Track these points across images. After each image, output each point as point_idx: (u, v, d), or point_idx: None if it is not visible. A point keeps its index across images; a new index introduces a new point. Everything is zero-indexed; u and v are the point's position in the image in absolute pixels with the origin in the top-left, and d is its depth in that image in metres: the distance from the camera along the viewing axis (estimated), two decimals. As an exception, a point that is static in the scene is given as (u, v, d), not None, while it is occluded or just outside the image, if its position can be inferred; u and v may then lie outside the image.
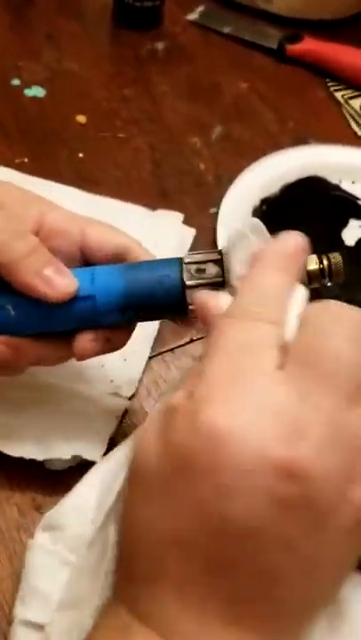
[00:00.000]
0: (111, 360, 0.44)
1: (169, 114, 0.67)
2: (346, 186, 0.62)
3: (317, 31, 0.77)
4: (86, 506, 0.35)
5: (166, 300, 0.35)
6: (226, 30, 0.77)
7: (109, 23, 0.77)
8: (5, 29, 0.74)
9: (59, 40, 0.73)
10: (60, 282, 0.34)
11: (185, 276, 0.34)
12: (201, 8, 0.80)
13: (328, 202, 0.61)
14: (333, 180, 0.62)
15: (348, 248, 0.58)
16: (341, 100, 0.71)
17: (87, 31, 0.75)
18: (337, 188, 0.62)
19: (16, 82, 0.67)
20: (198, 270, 0.34)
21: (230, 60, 0.74)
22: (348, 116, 0.70)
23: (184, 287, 0.34)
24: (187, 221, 0.57)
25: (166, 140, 0.64)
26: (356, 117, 0.70)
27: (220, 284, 0.34)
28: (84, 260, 0.37)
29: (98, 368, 0.44)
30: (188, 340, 0.49)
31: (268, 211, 0.58)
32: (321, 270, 0.34)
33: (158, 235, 0.51)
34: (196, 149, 0.64)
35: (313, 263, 0.34)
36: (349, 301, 0.52)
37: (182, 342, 0.49)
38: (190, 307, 0.34)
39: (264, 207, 0.59)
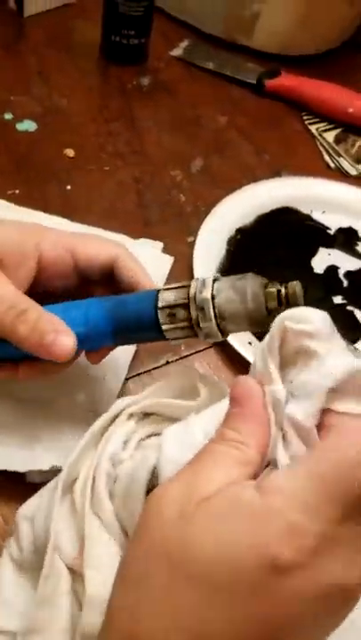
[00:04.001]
0: (92, 379, 0.48)
1: (152, 147, 0.71)
2: (317, 216, 0.66)
3: (295, 66, 0.82)
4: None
5: (145, 332, 0.40)
6: (208, 65, 0.82)
7: (97, 58, 0.81)
8: (1, 66, 0.78)
9: (49, 75, 0.77)
10: (60, 346, 0.38)
11: (160, 317, 0.39)
12: (185, 44, 0.84)
13: (300, 231, 0.65)
14: (305, 210, 0.66)
15: (318, 275, 0.62)
16: (316, 133, 0.76)
17: (76, 66, 0.80)
18: (308, 217, 0.66)
19: (8, 116, 0.72)
20: (171, 315, 0.38)
21: (211, 94, 0.79)
22: (321, 149, 0.74)
23: (160, 328, 0.39)
24: (166, 249, 0.61)
25: (149, 173, 0.68)
26: (329, 149, 0.74)
27: (190, 327, 0.38)
28: (79, 274, 0.43)
29: (78, 385, 0.48)
30: (164, 362, 0.53)
31: (243, 240, 0.62)
32: (279, 298, 0.37)
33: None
34: (176, 182, 0.68)
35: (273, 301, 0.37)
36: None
37: (159, 364, 0.53)
38: (165, 332, 0.39)
39: (239, 236, 0.63)
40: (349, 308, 0.59)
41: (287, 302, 0.36)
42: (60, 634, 0.34)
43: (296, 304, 0.36)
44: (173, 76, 0.81)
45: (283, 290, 0.37)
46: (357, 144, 0.75)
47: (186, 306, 0.38)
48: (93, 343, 0.41)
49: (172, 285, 0.40)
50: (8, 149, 0.68)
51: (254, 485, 0.25)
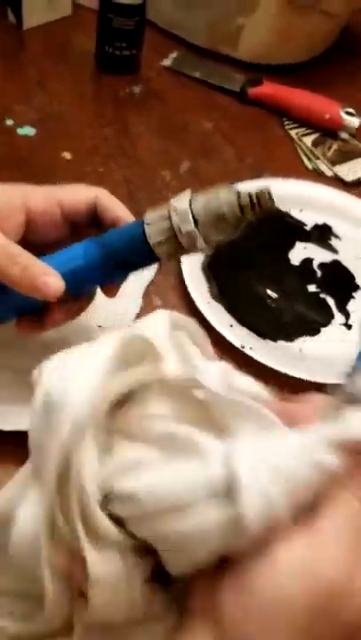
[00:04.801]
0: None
1: (143, 151, 0.77)
2: (294, 213, 0.72)
3: (276, 75, 0.87)
4: None
5: (137, 252, 0.44)
6: (195, 74, 0.88)
7: (92, 68, 0.87)
8: (2, 77, 0.84)
9: (47, 84, 0.83)
10: (50, 287, 0.42)
11: (147, 232, 0.42)
12: (174, 54, 0.90)
13: (279, 227, 0.71)
14: (284, 208, 0.72)
15: (295, 266, 0.67)
16: (295, 138, 0.82)
17: (73, 76, 0.85)
18: (287, 215, 0.72)
19: (9, 122, 0.77)
20: (157, 229, 0.42)
21: (199, 101, 0.85)
22: (300, 152, 0.80)
23: (149, 245, 0.43)
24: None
25: (140, 174, 0.74)
26: (307, 152, 0.80)
27: (174, 236, 0.42)
28: (67, 222, 0.48)
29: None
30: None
31: (227, 234, 0.68)
32: (251, 201, 0.41)
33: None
34: (166, 182, 0.73)
35: (246, 199, 0.41)
36: (293, 311, 0.62)
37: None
38: (154, 247, 0.42)
39: (223, 231, 0.68)
40: (322, 295, 0.65)
41: (259, 204, 0.40)
42: None
43: (267, 206, 0.40)
44: (164, 84, 0.87)
45: (253, 195, 0.41)
46: (333, 147, 0.81)
47: (168, 217, 0.42)
48: (95, 273, 0.45)
49: (155, 207, 0.44)
50: (9, 152, 0.74)
51: None
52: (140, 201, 0.71)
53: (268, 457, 0.28)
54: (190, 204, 0.42)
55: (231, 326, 0.59)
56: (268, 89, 0.85)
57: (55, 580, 0.31)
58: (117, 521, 0.31)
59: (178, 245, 0.43)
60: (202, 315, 0.59)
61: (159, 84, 0.87)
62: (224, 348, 0.58)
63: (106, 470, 0.31)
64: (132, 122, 0.80)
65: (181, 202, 0.42)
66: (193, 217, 0.41)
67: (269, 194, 0.40)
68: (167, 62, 0.89)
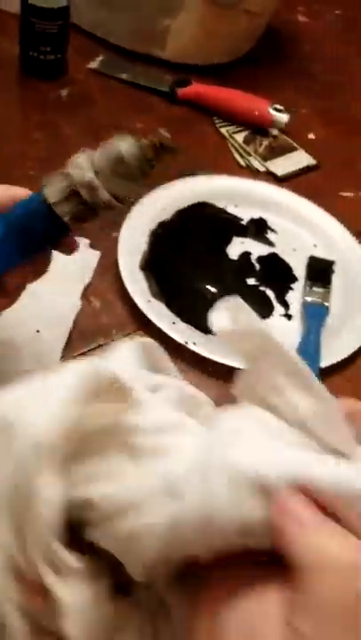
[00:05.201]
0: (28, 363, 0.52)
1: (74, 152, 0.75)
2: (230, 209, 0.72)
3: (204, 75, 0.88)
4: None
5: (40, 219, 0.41)
6: (124, 76, 0.87)
7: (17, 73, 0.85)
8: None
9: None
10: None
11: (46, 194, 0.40)
12: (101, 57, 0.89)
13: (215, 223, 0.71)
14: (220, 204, 0.72)
15: (233, 261, 0.67)
16: (226, 135, 0.82)
17: (-2, 80, 0.84)
18: (223, 211, 0.72)
19: None
20: (55, 189, 0.40)
21: (128, 103, 0.84)
22: (232, 149, 0.81)
23: (50, 207, 0.40)
24: (93, 245, 0.65)
25: (73, 176, 0.73)
26: (240, 150, 0.81)
27: (74, 192, 0.39)
28: None
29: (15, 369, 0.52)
30: (96, 345, 0.58)
31: (164, 233, 0.68)
32: (155, 147, 0.39)
33: (67, 258, 0.59)
34: (99, 183, 0.72)
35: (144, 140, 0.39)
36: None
37: (92, 347, 0.57)
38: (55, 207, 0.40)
39: (160, 230, 0.68)
40: (262, 288, 0.65)
41: (160, 145, 0.39)
42: None
43: (170, 147, 0.39)
44: (92, 87, 0.86)
45: (155, 139, 0.39)
46: (264, 144, 0.82)
47: (66, 175, 0.39)
48: (6, 247, 0.42)
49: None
50: None
51: None
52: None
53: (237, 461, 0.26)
54: (88, 156, 0.40)
55: (174, 323, 0.59)
56: (196, 89, 0.85)
57: (21, 618, 0.30)
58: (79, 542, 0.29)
59: (80, 202, 0.40)
60: (143, 314, 0.59)
61: (87, 86, 0.86)
62: (169, 346, 0.57)
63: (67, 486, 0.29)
64: (61, 125, 0.79)
65: (78, 155, 0.40)
66: (93, 167, 0.39)
67: (167, 133, 0.39)
68: (94, 65, 0.88)
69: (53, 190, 0.40)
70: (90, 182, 0.39)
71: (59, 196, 0.40)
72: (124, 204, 0.40)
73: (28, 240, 0.43)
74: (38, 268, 0.46)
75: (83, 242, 0.65)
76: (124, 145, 0.39)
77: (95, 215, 0.41)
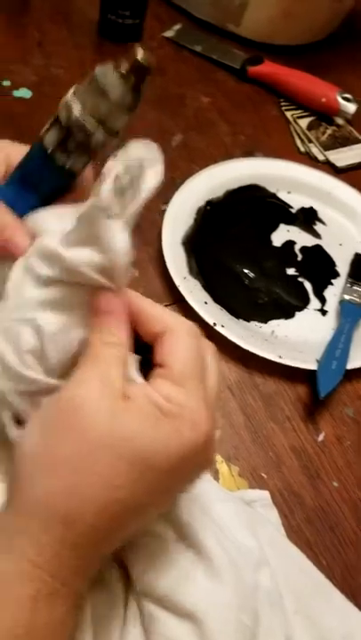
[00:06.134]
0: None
1: (136, 120, 0.76)
2: (282, 195, 0.72)
3: (278, 55, 0.87)
4: None
5: (43, 170, 0.39)
6: (197, 48, 0.87)
7: (94, 35, 0.86)
8: (1, 34, 0.83)
9: (48, 48, 0.83)
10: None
11: (45, 143, 0.38)
12: (177, 27, 0.89)
13: (264, 207, 0.71)
14: (272, 189, 0.72)
15: (276, 248, 0.68)
16: (291, 119, 0.82)
17: (74, 41, 0.85)
18: (273, 196, 0.72)
19: (6, 83, 0.77)
20: (50, 137, 0.38)
21: (197, 75, 0.85)
22: (294, 134, 0.80)
23: (49, 156, 0.38)
24: (140, 216, 0.66)
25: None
26: (301, 135, 0.80)
27: (68, 135, 0.37)
28: None
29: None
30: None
31: (212, 211, 0.68)
32: (136, 71, 0.36)
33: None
34: (156, 154, 0.73)
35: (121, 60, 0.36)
36: (269, 293, 0.63)
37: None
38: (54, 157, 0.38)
39: (208, 207, 0.68)
40: (300, 279, 0.65)
41: (142, 68, 0.36)
42: None
43: (148, 64, 0.36)
44: (164, 56, 0.86)
45: (133, 63, 0.36)
46: (327, 132, 0.81)
47: (56, 119, 0.38)
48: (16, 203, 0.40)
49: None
50: (4, 114, 0.74)
51: (164, 396, 0.33)
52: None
53: None
54: (73, 93, 0.37)
55: (206, 303, 0.60)
56: (267, 68, 0.85)
57: None
58: None
59: (77, 144, 0.38)
60: (177, 289, 0.60)
61: (159, 55, 0.86)
62: (196, 325, 0.59)
63: None
64: (139, 105, 0.80)
65: (67, 95, 0.38)
66: (76, 101, 0.37)
67: (142, 47, 0.36)
68: (169, 34, 0.89)
69: (50, 136, 0.38)
70: (78, 120, 0.37)
71: (54, 141, 0.38)
72: (117, 137, 0.39)
73: (38, 195, 0.41)
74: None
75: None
76: (105, 77, 0.36)
77: (94, 154, 0.39)
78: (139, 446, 0.31)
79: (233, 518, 0.44)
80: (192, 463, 0.33)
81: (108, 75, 0.36)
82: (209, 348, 0.37)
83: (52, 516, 0.31)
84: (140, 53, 0.36)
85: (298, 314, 0.63)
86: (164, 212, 0.66)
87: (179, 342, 0.35)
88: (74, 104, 0.37)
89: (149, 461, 0.31)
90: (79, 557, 0.31)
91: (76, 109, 0.37)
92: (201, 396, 0.34)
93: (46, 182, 0.40)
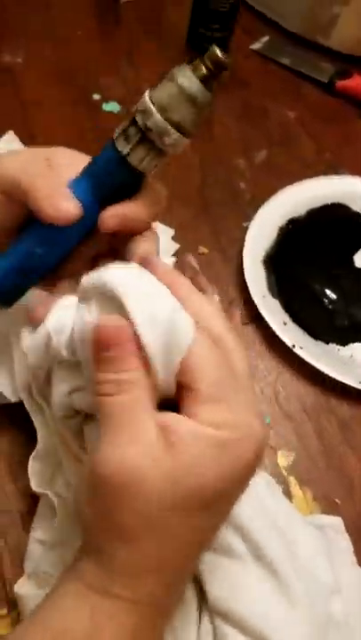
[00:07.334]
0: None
1: (220, 134, 0.77)
2: (367, 215, 0.71)
3: (367, 69, 0.86)
4: None
5: (116, 170, 0.39)
6: (284, 61, 0.87)
7: (182, 47, 0.87)
8: (95, 48, 0.85)
9: (137, 60, 0.84)
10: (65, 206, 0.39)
11: (117, 145, 0.38)
12: (265, 39, 0.89)
13: (347, 227, 0.70)
14: (355, 207, 0.72)
15: (358, 269, 0.67)
16: (378, 135, 0.80)
17: (163, 54, 0.86)
18: (358, 215, 0.71)
19: (96, 96, 0.79)
20: (126, 138, 0.38)
21: (283, 89, 0.84)
22: (380, 151, 0.79)
23: (123, 158, 0.38)
24: (221, 233, 0.67)
25: (215, 158, 0.74)
26: (388, 152, 0.78)
27: (144, 138, 0.38)
28: None
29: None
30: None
31: (293, 230, 0.68)
32: (205, 66, 0.37)
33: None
34: (239, 169, 0.74)
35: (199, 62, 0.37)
36: (349, 315, 0.62)
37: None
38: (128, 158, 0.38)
39: (290, 226, 0.68)
40: (382, 303, 0.65)
41: (214, 65, 0.37)
42: None
43: (222, 63, 0.37)
44: (250, 68, 0.86)
45: (205, 58, 0.37)
46: None
47: (133, 121, 0.38)
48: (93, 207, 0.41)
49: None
50: (94, 128, 0.76)
51: (212, 424, 0.30)
52: (211, 190, 0.72)
53: None
54: (150, 97, 0.37)
55: (285, 324, 0.60)
56: (357, 82, 0.83)
57: None
58: None
59: (150, 146, 0.38)
60: (256, 309, 0.60)
61: (246, 67, 0.86)
62: (275, 344, 0.59)
63: None
64: (213, 104, 0.80)
65: (141, 100, 0.38)
66: (155, 106, 0.37)
67: (218, 47, 0.37)
68: (256, 46, 0.89)
69: (123, 139, 0.38)
70: (157, 123, 0.37)
71: (130, 145, 0.38)
72: (190, 137, 0.39)
73: (109, 196, 0.41)
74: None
75: (168, 232, 0.66)
76: (184, 78, 0.37)
77: (164, 155, 0.39)
78: (208, 495, 0.30)
79: (308, 544, 0.44)
80: (255, 468, 0.32)
81: (186, 75, 0.37)
82: (212, 315, 0.34)
83: (144, 583, 0.31)
84: (217, 52, 0.37)
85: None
86: (245, 229, 0.67)
87: (192, 353, 0.31)
88: (151, 105, 0.37)
89: (220, 495, 0.31)
90: (170, 596, 0.33)
91: (153, 111, 0.37)
92: (242, 400, 0.31)
93: (117, 182, 0.40)
